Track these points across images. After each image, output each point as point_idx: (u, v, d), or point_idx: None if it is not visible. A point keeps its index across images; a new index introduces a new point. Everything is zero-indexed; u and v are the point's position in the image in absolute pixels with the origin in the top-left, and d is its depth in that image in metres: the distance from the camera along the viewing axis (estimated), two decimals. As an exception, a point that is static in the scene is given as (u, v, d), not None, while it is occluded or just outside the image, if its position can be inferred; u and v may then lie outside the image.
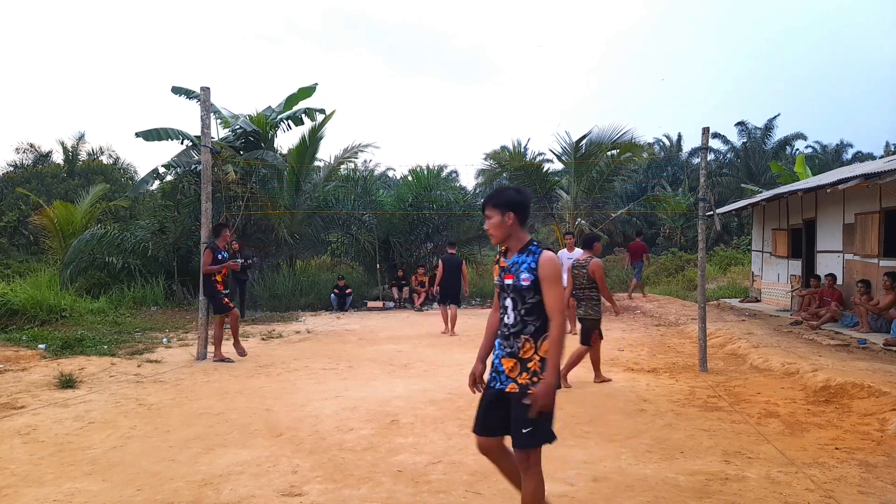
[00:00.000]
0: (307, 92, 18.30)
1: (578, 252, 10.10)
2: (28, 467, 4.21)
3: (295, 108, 18.00)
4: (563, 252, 10.43)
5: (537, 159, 28.02)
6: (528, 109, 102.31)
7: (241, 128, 17.26)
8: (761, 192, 19.85)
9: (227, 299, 8.35)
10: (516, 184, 20.72)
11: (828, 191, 10.24)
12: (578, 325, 7.05)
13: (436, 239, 19.48)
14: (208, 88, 8.60)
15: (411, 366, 8.05)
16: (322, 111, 17.76)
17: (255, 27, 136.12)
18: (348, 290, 16.52)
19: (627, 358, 8.63)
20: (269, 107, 18.45)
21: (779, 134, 36.53)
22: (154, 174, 17.43)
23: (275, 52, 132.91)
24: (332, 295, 16.22)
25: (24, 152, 30.87)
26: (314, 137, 18.41)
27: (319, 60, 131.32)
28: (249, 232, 17.13)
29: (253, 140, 17.45)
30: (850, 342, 8.68)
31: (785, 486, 3.87)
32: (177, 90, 17.09)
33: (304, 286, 16.78)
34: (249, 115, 17.80)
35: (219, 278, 8.31)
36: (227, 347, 8.56)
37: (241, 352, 8.59)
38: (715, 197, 10.16)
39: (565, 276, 9.77)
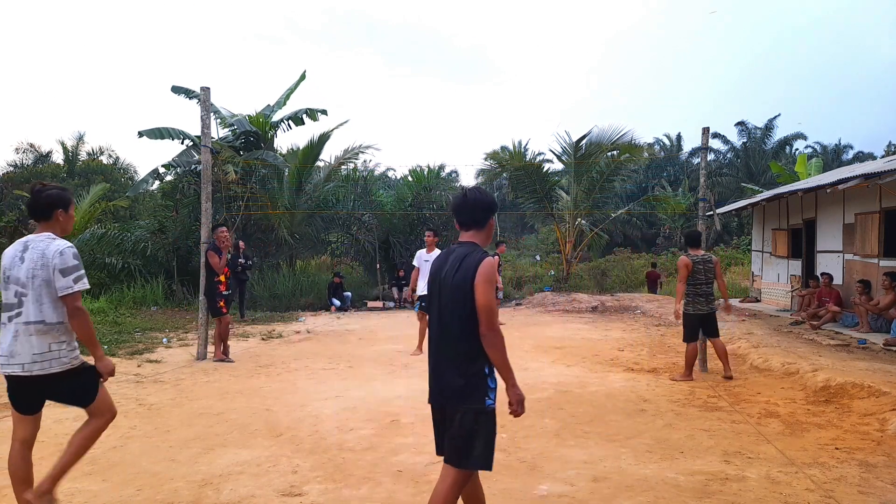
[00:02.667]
0: (299, 81, 18.34)
1: (438, 252, 9.09)
2: (28, 467, 4.20)
3: (296, 109, 18.00)
4: (421, 252, 9.20)
5: (537, 159, 28.12)
6: (528, 109, 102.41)
7: (240, 128, 17.26)
8: (761, 192, 19.85)
9: (223, 302, 8.31)
10: (516, 184, 20.78)
11: (828, 191, 10.24)
12: None
13: (436, 239, 19.46)
14: (208, 88, 8.60)
15: (411, 366, 8.05)
16: (324, 112, 17.76)
17: (255, 27, 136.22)
18: (345, 292, 16.40)
19: (627, 358, 8.62)
20: (268, 105, 18.44)
21: (779, 134, 36.63)
22: (154, 174, 17.43)
23: (275, 52, 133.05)
24: (332, 299, 16.03)
25: (24, 152, 30.90)
26: (322, 141, 18.44)
27: (319, 60, 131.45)
28: (249, 232, 17.12)
29: (253, 140, 17.44)
30: (850, 342, 8.68)
31: (785, 486, 3.86)
32: (177, 90, 17.09)
33: (304, 286, 16.75)
34: (249, 116, 17.80)
35: (222, 278, 8.31)
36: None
37: (221, 358, 8.27)
38: (715, 197, 10.15)
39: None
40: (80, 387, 3.29)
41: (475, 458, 2.72)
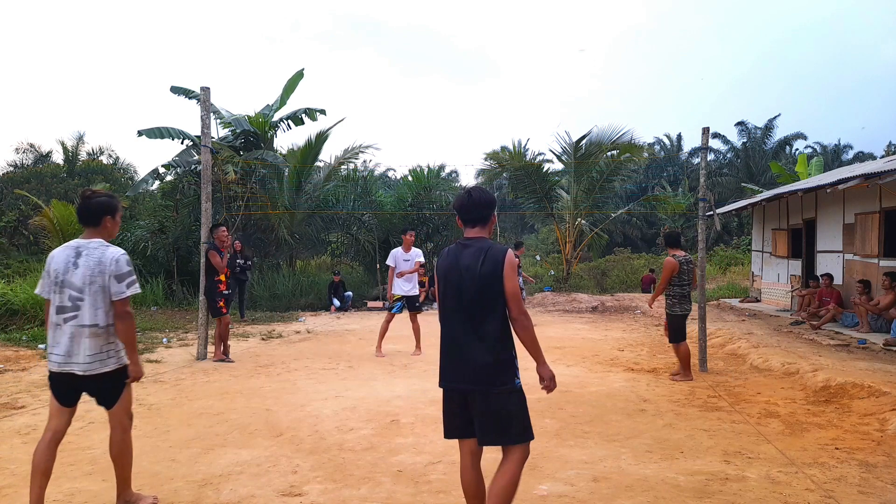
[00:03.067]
0: (297, 78, 18.30)
1: (416, 252, 8.77)
2: (28, 467, 4.17)
3: (295, 109, 18.00)
4: (397, 251, 8.75)
5: (537, 159, 28.10)
6: (528, 110, 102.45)
7: (240, 128, 17.25)
8: (761, 192, 19.85)
9: (223, 302, 8.29)
10: (516, 184, 20.79)
11: (828, 191, 10.24)
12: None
13: (436, 239, 19.48)
14: (208, 88, 8.59)
15: (411, 366, 8.05)
16: (323, 111, 17.76)
17: (257, 28, 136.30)
18: (346, 291, 16.40)
19: (627, 358, 8.63)
20: (268, 105, 18.43)
21: (779, 134, 36.63)
22: (154, 174, 17.44)
23: (275, 52, 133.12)
24: (332, 298, 16.05)
25: (24, 152, 30.84)
26: (320, 140, 18.43)
27: (319, 60, 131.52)
28: (249, 232, 17.13)
29: (252, 140, 17.44)
30: (850, 342, 8.68)
31: (785, 486, 3.87)
32: (176, 90, 17.08)
33: (304, 286, 16.75)
34: (248, 116, 17.79)
35: (222, 278, 8.31)
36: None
37: (221, 358, 8.24)
38: (715, 197, 10.14)
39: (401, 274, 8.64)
40: (118, 387, 3.44)
41: (516, 434, 2.90)
